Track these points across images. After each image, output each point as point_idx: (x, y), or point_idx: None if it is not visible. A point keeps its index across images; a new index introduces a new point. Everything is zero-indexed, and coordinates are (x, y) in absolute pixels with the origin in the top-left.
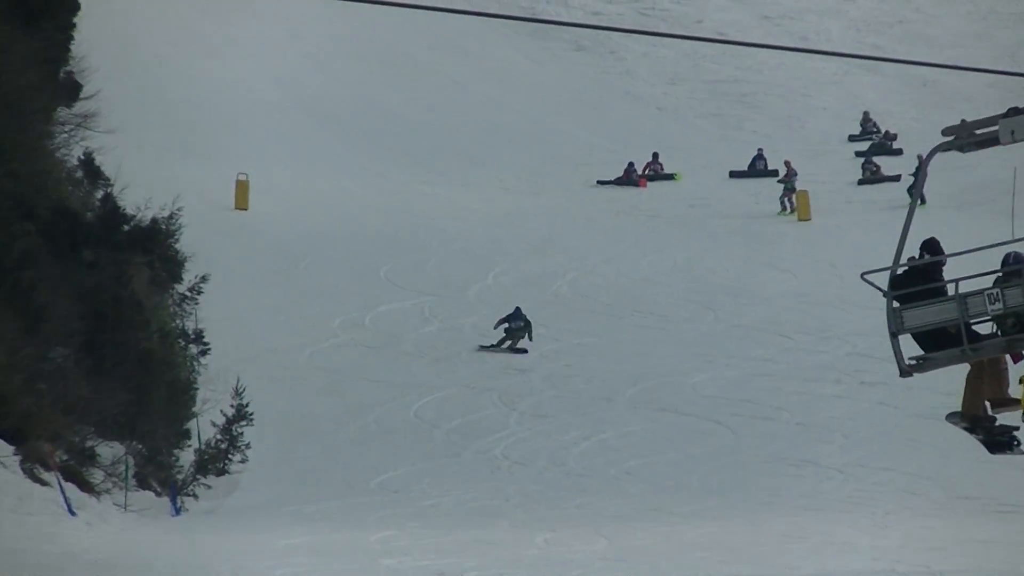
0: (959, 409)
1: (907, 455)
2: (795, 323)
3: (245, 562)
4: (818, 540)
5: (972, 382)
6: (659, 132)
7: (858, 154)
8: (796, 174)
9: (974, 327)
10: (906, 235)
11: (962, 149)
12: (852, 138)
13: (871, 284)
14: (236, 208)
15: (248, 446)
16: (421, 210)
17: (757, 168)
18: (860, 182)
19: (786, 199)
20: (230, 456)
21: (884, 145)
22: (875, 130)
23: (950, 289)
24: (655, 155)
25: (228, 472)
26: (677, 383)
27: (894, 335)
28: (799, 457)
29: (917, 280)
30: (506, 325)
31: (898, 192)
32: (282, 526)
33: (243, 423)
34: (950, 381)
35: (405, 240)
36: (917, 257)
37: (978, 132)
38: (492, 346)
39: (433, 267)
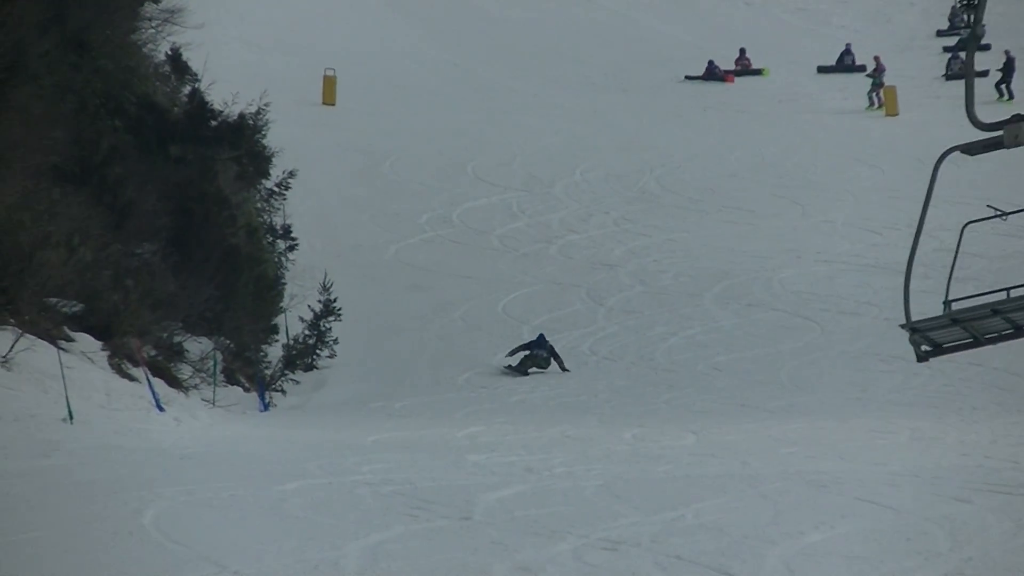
0: None
1: (995, 350)
2: (883, 218)
3: (332, 458)
4: (907, 436)
5: None
6: (747, 27)
7: (946, 49)
8: (885, 69)
9: None
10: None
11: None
12: (940, 33)
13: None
14: (324, 103)
15: (336, 342)
16: (508, 106)
17: (845, 63)
18: (947, 77)
19: (874, 94)
20: (318, 351)
21: None
22: (963, 25)
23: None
24: (742, 50)
25: (316, 367)
26: (765, 279)
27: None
28: (888, 352)
29: None
30: (526, 353)
31: (986, 87)
32: (369, 422)
33: (331, 318)
34: None
35: (491, 136)
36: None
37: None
38: (513, 368)
39: (519, 163)
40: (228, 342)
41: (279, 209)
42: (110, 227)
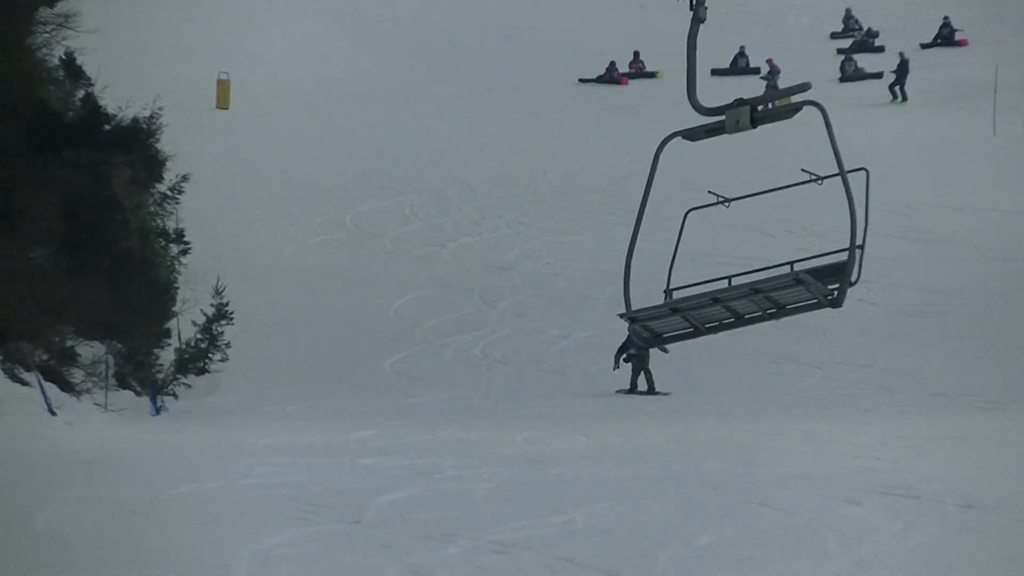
0: None
1: (887, 352)
2: (779, 221)
3: (225, 461)
4: (797, 437)
5: None
6: (641, 29)
7: (840, 51)
8: (779, 71)
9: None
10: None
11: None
12: (834, 35)
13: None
14: (218, 108)
15: (228, 345)
16: (398, 108)
17: (739, 66)
18: (841, 80)
19: None
20: (210, 355)
21: (866, 42)
22: (857, 27)
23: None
24: (636, 53)
25: (208, 371)
26: (659, 281)
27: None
28: (779, 354)
29: None
30: (624, 355)
31: (879, 89)
32: (262, 425)
33: (223, 322)
34: (924, 278)
35: (384, 140)
36: None
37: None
38: (631, 391)
39: (413, 167)
40: (120, 346)
41: (172, 213)
42: (1, 231)
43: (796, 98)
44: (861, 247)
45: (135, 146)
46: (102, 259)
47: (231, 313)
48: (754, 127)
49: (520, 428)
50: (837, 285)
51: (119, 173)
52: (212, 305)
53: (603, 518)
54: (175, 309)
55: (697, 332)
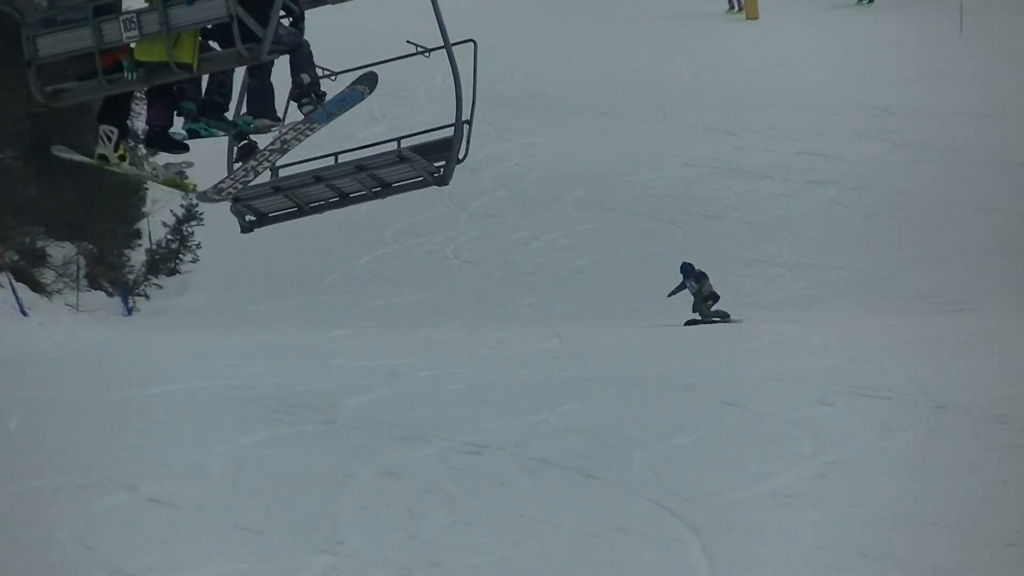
0: None
1: (858, 253)
2: (745, 122)
3: (196, 362)
4: (769, 340)
5: None
6: None
7: None
8: None
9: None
10: None
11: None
12: None
13: None
14: None
15: (199, 246)
16: (354, 11)
17: None
18: None
19: None
20: (181, 256)
21: None
22: None
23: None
24: None
25: (179, 272)
26: (628, 183)
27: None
28: (750, 256)
29: None
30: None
31: None
32: (233, 326)
33: (193, 223)
34: (894, 181)
35: (352, 38)
36: None
37: None
38: (699, 321)
39: (381, 66)
40: (91, 247)
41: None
42: None
43: None
44: (468, 122)
45: None
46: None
47: (201, 214)
48: None
49: (492, 329)
50: (444, 163)
51: None
52: (182, 205)
53: (576, 418)
54: (145, 210)
55: (301, 211)
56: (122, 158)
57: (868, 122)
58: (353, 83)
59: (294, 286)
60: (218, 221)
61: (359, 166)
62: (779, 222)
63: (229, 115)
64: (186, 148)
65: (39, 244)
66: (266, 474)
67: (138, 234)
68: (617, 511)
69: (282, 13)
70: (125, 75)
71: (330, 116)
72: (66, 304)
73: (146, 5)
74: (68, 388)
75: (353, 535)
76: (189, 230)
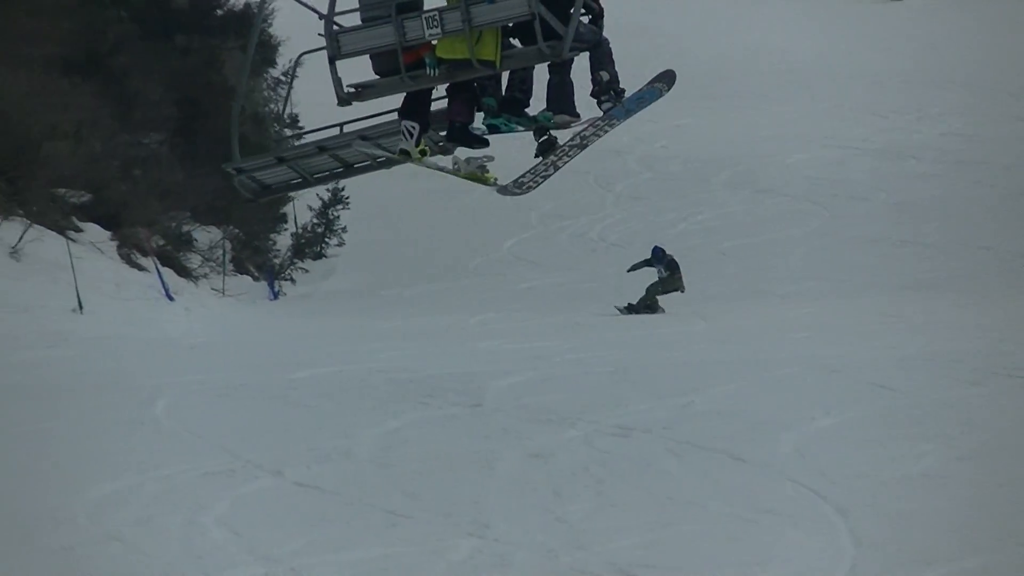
0: None
1: (1007, 233)
2: (893, 103)
3: (343, 346)
4: (920, 320)
5: None
6: None
7: None
8: None
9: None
10: None
11: None
12: None
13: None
14: None
15: (344, 230)
16: None
17: None
18: None
19: None
20: (327, 240)
21: None
22: None
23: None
24: None
25: (325, 256)
26: (774, 164)
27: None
28: (897, 237)
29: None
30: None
31: None
32: (380, 309)
33: (339, 207)
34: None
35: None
36: None
37: None
38: (632, 307)
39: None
40: (237, 231)
41: (286, 97)
42: (117, 118)
43: None
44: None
45: (247, 30)
46: (216, 145)
47: (347, 198)
48: None
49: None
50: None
51: (232, 58)
52: (327, 190)
53: (723, 401)
54: (290, 194)
55: (306, 182)
56: (423, 152)
57: (1016, 102)
58: (652, 80)
59: (439, 270)
60: (364, 205)
61: (362, 136)
62: (926, 203)
63: (530, 111)
64: (486, 143)
65: (185, 229)
66: (412, 457)
67: (284, 218)
68: (764, 493)
69: (582, 11)
70: (427, 72)
71: (628, 113)
72: (212, 288)
73: (446, 3)
74: (214, 373)
75: (499, 518)
76: (335, 214)
